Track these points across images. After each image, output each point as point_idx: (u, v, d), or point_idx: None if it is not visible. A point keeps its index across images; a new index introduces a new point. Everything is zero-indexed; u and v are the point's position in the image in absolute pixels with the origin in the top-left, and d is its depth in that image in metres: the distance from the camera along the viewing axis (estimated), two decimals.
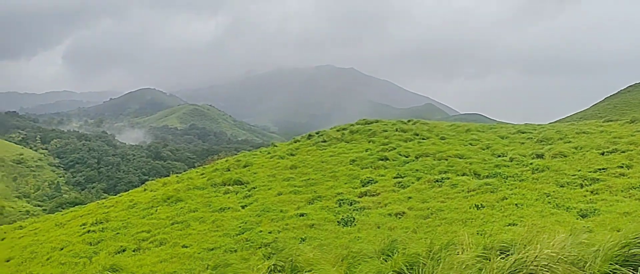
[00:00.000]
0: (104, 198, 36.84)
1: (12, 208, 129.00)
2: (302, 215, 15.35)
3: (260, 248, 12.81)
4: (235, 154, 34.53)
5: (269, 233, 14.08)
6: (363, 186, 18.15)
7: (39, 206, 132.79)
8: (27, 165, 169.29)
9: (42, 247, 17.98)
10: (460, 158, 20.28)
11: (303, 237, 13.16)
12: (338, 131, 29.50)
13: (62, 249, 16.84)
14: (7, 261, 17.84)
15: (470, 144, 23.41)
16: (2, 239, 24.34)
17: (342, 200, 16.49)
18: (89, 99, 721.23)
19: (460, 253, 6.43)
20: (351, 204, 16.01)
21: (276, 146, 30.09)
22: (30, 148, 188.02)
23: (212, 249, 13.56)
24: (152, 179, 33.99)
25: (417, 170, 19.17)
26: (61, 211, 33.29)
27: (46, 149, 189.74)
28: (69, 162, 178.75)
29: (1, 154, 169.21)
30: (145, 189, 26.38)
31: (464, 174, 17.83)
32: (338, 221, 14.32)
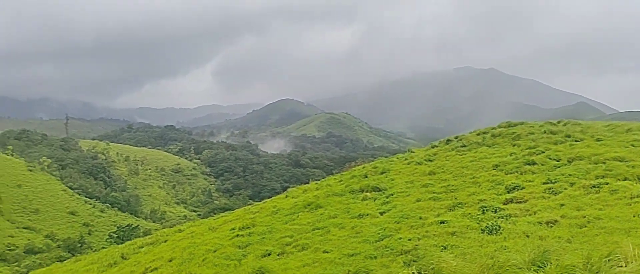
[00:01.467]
0: (250, 204, 38.97)
1: (172, 212, 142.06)
2: (442, 222, 14.90)
3: (400, 255, 12.64)
4: (372, 161, 34.61)
5: (409, 240, 13.83)
6: (508, 192, 17.15)
7: (194, 211, 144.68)
8: (184, 174, 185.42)
9: (198, 249, 19.46)
10: (620, 161, 18.31)
11: (444, 245, 12.75)
12: (478, 134, 28.28)
13: (215, 251, 18.08)
14: (170, 261, 19.64)
15: (632, 145, 21.04)
16: (165, 241, 26.82)
17: (485, 207, 15.73)
18: (234, 112, 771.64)
19: (623, 265, 5.77)
20: (495, 212, 15.20)
21: (413, 152, 29.62)
22: (186, 158, 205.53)
23: (352, 255, 13.65)
24: (293, 186, 35.17)
25: (570, 175, 17.67)
26: (213, 216, 35.87)
27: (199, 159, 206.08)
28: (219, 170, 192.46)
29: (162, 164, 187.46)
30: (287, 196, 27.39)
31: (625, 179, 16.07)
32: (482, 229, 13.67)
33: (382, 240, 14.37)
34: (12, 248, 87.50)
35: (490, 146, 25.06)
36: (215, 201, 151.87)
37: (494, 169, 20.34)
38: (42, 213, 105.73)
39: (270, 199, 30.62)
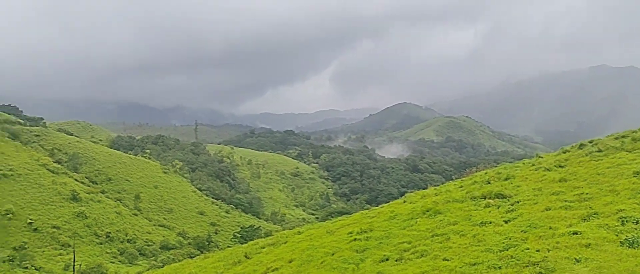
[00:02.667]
0: (367, 209, 39.01)
1: (292, 215, 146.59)
2: (575, 233, 13.76)
3: (527, 266, 11.87)
4: (495, 167, 33.09)
5: (537, 251, 12.94)
6: None
7: (312, 214, 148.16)
8: (302, 177, 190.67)
9: (316, 251, 19.77)
10: None
11: (577, 258, 11.76)
12: (616, 138, 25.87)
13: (333, 254, 18.25)
14: (290, 262, 20.18)
15: None
16: (285, 243, 27.63)
17: (624, 218, 14.29)
18: (351, 116, 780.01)
19: None
20: (636, 223, 13.75)
21: (541, 157, 27.85)
22: (304, 162, 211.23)
23: (474, 265, 13.05)
24: (411, 192, 34.70)
25: None
26: (331, 220, 36.33)
27: (317, 163, 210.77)
28: (336, 175, 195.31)
29: (282, 168, 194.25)
30: (404, 201, 27.00)
31: None
32: (620, 242, 12.43)
33: (507, 250, 13.59)
34: (149, 243, 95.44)
35: (630, 151, 22.80)
36: (332, 205, 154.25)
37: (635, 177, 18.45)
38: (175, 212, 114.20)
39: (387, 204, 30.38)
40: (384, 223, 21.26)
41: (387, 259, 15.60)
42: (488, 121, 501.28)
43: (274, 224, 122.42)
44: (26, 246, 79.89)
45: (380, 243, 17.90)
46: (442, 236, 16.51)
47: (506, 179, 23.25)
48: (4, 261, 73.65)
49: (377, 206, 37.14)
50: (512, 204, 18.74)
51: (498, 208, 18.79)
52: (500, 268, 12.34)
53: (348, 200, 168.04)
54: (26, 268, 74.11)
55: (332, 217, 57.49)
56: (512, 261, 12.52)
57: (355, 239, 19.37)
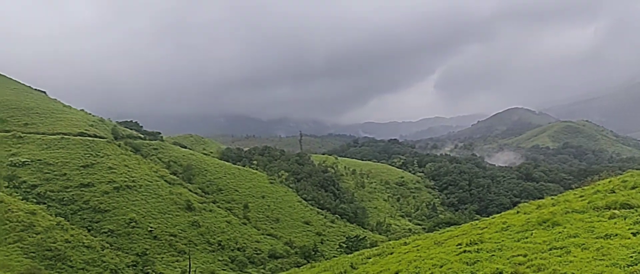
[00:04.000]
0: (477, 219, 37.49)
1: (397, 225, 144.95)
2: None
3: None
4: (620, 174, 30.40)
5: None
6: None
7: (418, 224, 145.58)
8: (408, 187, 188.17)
9: (424, 263, 19.19)
10: None
11: None
12: None
13: (441, 266, 17.60)
14: (396, 273, 19.75)
15: None
16: (391, 253, 27.22)
17: None
18: (457, 124, 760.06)
19: None
20: None
21: None
22: (409, 171, 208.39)
23: None
24: (524, 202, 32.88)
25: None
26: (438, 230, 35.34)
27: (422, 172, 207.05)
28: (443, 184, 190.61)
29: (387, 177, 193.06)
30: (518, 212, 25.59)
31: None
32: None
33: (636, 265, 12.31)
34: (258, 252, 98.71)
35: None
36: (440, 215, 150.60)
37: None
38: (282, 221, 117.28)
39: (499, 214, 28.97)
40: (495, 234, 20.22)
41: (500, 273, 14.76)
42: (611, 125, 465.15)
43: (380, 234, 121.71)
44: (147, 253, 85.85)
45: (492, 255, 16.98)
46: (561, 249, 15.34)
47: (633, 188, 21.21)
48: (128, 266, 79.72)
49: (487, 216, 35.62)
50: None
51: (624, 218, 17.16)
52: None
53: (456, 210, 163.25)
54: (148, 273, 79.63)
55: (440, 227, 56.01)
56: None
57: (464, 251, 18.57)
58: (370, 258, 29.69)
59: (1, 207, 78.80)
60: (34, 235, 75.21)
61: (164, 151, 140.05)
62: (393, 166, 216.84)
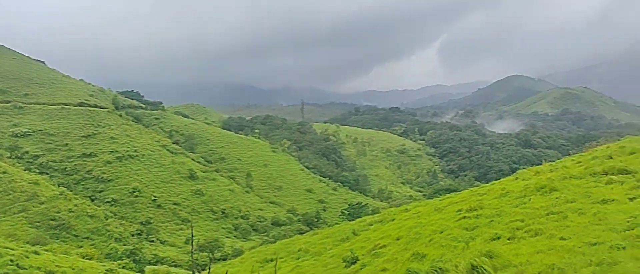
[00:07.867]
0: (476, 186, 37.92)
1: (398, 192, 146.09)
2: None
3: None
4: (618, 140, 30.64)
5: None
6: None
7: (419, 191, 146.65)
8: (408, 154, 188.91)
9: (424, 229, 19.63)
10: None
11: None
12: None
13: (441, 232, 18.01)
14: (397, 239, 20.24)
15: None
16: (392, 220, 27.72)
17: None
18: (459, 91, 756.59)
19: None
20: None
21: None
22: (410, 139, 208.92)
23: (595, 244, 12.26)
24: (523, 168, 33.24)
25: None
26: (438, 197, 35.80)
27: (423, 139, 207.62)
28: (443, 151, 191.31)
29: (388, 145, 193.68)
30: (516, 178, 25.92)
31: None
32: None
33: (633, 229, 12.60)
34: (261, 219, 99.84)
35: None
36: (440, 182, 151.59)
37: None
38: (284, 189, 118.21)
39: (498, 181, 29.34)
40: (494, 200, 20.57)
41: (498, 238, 15.10)
42: (611, 91, 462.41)
43: (381, 201, 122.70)
44: (151, 221, 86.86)
45: (491, 221, 17.35)
46: (558, 214, 15.66)
47: (631, 154, 21.46)
48: (132, 235, 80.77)
49: (486, 183, 36.01)
50: (638, 181, 17.32)
51: (621, 184, 17.45)
52: (624, 248, 11.50)
53: (456, 177, 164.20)
54: (152, 241, 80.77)
55: (440, 194, 56.54)
56: (638, 242, 11.63)
57: (464, 217, 18.95)
58: (372, 225, 30.24)
59: (5, 177, 79.47)
60: (38, 205, 76.04)
61: (165, 120, 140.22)
62: (394, 133, 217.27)
